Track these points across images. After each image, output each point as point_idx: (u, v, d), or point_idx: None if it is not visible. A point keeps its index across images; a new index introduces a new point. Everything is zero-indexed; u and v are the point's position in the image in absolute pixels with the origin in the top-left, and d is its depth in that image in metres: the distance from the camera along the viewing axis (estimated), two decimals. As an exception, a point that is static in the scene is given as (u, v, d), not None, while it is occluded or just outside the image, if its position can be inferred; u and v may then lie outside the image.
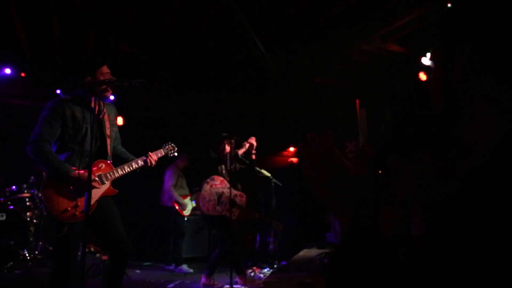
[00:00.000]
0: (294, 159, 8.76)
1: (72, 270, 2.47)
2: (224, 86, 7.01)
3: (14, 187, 5.04)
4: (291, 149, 8.99)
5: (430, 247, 0.55)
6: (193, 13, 4.86)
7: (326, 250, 4.01)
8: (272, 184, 5.95)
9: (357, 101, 6.43)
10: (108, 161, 2.73)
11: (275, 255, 5.82)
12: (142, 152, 2.94)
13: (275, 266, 5.36)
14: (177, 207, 5.82)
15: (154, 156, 2.89)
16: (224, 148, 4.30)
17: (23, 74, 6.50)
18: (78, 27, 5.18)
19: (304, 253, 5.05)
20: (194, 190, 4.36)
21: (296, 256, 4.94)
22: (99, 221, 2.60)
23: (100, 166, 2.66)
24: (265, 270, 5.21)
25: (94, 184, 2.50)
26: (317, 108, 6.82)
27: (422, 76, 5.28)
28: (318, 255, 4.07)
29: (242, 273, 4.25)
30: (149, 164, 2.85)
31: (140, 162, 2.83)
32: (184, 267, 5.63)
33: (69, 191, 2.48)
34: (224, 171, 4.25)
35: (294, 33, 5.29)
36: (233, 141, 4.24)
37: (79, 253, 2.46)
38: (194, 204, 5.96)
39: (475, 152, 0.66)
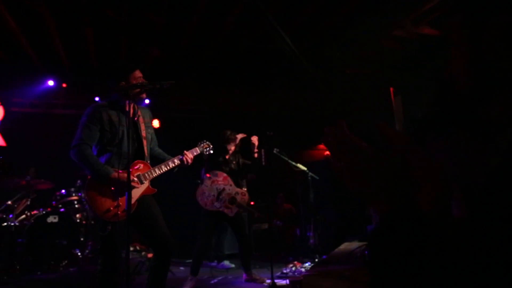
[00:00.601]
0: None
1: (119, 266, 2.59)
2: (255, 82, 7.04)
3: (63, 191, 5.34)
4: (327, 142, 8.86)
5: (472, 234, 0.53)
6: (218, 13, 4.92)
7: (366, 243, 3.92)
8: (309, 178, 5.91)
9: (391, 89, 6.24)
10: (146, 162, 2.82)
11: (315, 249, 5.78)
12: (178, 152, 3.01)
13: (316, 260, 5.33)
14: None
15: (190, 155, 2.96)
16: (230, 146, 4.36)
17: (64, 85, 6.86)
18: (110, 36, 5.38)
19: (345, 246, 4.98)
20: (196, 183, 4.33)
21: (336, 250, 4.88)
22: (142, 220, 2.71)
23: (138, 166, 2.75)
24: (306, 264, 5.19)
25: (133, 184, 2.60)
26: (350, 99, 6.69)
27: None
28: (359, 247, 4.00)
29: (248, 270, 4.31)
30: (185, 162, 2.92)
31: (177, 161, 2.90)
32: (226, 262, 5.73)
33: (111, 192, 2.59)
34: (228, 169, 4.21)
35: (322, 24, 5.21)
36: (238, 138, 4.36)
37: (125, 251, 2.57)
38: None
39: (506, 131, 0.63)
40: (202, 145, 3.21)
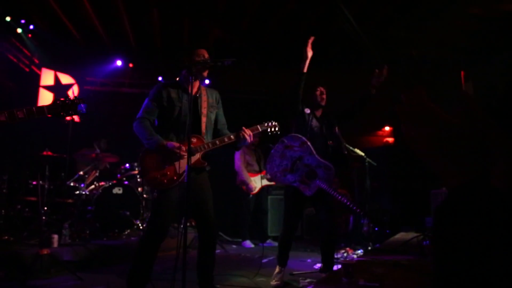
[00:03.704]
0: (390, 139, 8.31)
1: (160, 238, 2.65)
2: (315, 63, 6.89)
3: (127, 165, 5.69)
4: (387, 128, 8.53)
5: None
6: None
7: (425, 233, 3.74)
8: (366, 164, 5.73)
9: (462, 73, 5.79)
10: (201, 137, 2.85)
11: (369, 237, 5.65)
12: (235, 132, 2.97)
13: (369, 248, 5.21)
14: (243, 188, 5.99)
15: (248, 131, 2.88)
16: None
17: (131, 65, 7.25)
18: (174, 16, 5.54)
19: (400, 235, 4.81)
20: (268, 146, 3.59)
21: (392, 238, 4.73)
22: (191, 196, 2.74)
23: (192, 140, 2.78)
24: (359, 251, 5.10)
25: (182, 153, 2.67)
26: (415, 83, 6.32)
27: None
28: (415, 237, 3.83)
29: (329, 262, 3.49)
30: (242, 137, 2.85)
31: (232, 137, 2.87)
32: (247, 242, 5.94)
33: (160, 160, 2.70)
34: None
35: (388, 2, 4.94)
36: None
37: (182, 226, 2.59)
38: (264, 182, 6.06)
39: None
40: (267, 124, 3.07)
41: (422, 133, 0.64)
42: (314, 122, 3.43)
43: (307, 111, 3.45)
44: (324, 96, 3.53)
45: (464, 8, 4.69)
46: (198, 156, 2.80)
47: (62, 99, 2.22)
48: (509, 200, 0.54)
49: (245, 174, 6.01)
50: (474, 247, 0.52)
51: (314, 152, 3.23)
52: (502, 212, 0.53)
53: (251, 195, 6.06)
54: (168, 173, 2.69)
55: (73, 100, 2.26)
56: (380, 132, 8.58)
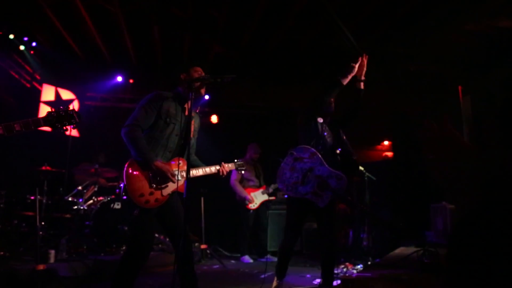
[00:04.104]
0: (389, 153, 8.31)
1: (144, 256, 2.56)
2: (314, 79, 6.96)
3: (126, 180, 5.68)
4: (386, 142, 8.55)
5: None
6: (280, 9, 4.93)
7: (425, 248, 3.71)
8: (366, 178, 5.73)
9: (460, 88, 5.84)
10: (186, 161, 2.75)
11: (369, 252, 5.60)
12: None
13: (369, 263, 5.16)
14: (246, 203, 5.96)
15: (226, 167, 2.97)
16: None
17: (131, 81, 7.31)
18: (175, 33, 5.62)
19: (400, 250, 4.76)
20: (277, 160, 3.52)
21: (391, 253, 4.68)
22: (167, 214, 2.69)
23: (178, 163, 2.73)
24: (358, 266, 5.04)
25: (173, 178, 2.61)
26: (414, 99, 6.37)
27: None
28: (415, 252, 3.79)
29: (328, 278, 3.37)
30: (221, 173, 2.92)
31: (214, 169, 2.91)
32: (246, 257, 5.91)
33: (149, 178, 2.59)
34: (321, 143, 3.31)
35: (386, 18, 5.02)
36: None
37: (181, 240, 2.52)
38: (265, 197, 6.12)
39: None
40: (238, 163, 3.21)
41: (442, 158, 0.66)
42: (327, 132, 3.39)
43: (320, 120, 3.39)
44: (333, 105, 3.51)
45: (460, 25, 4.77)
46: (183, 181, 2.71)
47: (53, 109, 2.20)
48: None
49: (239, 188, 6.02)
50: (487, 267, 0.53)
51: (325, 162, 3.18)
52: None
53: (251, 211, 6.04)
54: (155, 192, 2.59)
55: (66, 111, 2.22)
56: (379, 147, 8.60)
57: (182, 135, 2.76)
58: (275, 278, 3.39)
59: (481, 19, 4.57)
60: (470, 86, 5.68)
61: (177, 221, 2.69)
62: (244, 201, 5.98)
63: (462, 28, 4.88)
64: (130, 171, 2.55)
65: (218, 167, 2.93)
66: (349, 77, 3.40)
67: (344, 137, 3.44)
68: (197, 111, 3.13)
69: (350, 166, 3.33)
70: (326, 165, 3.17)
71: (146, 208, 2.54)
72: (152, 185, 2.57)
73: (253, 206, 6.02)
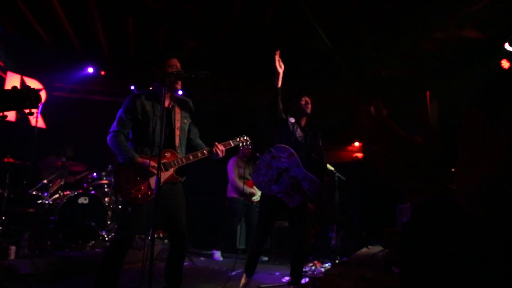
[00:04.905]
0: (359, 154, 8.51)
1: (125, 251, 2.64)
2: (289, 79, 7.01)
3: (95, 174, 5.53)
4: (356, 144, 8.74)
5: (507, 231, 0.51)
6: (257, 7, 4.93)
7: (389, 248, 3.83)
8: (336, 178, 5.84)
9: (428, 93, 6.06)
10: (174, 151, 2.85)
11: (337, 250, 5.72)
12: (209, 145, 2.98)
13: (337, 261, 5.27)
14: (249, 198, 5.87)
15: (221, 147, 2.91)
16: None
17: (103, 72, 7.11)
18: (149, 25, 5.51)
19: (367, 249, 4.90)
20: (256, 157, 3.52)
21: (358, 252, 4.81)
22: (162, 207, 2.76)
23: (165, 155, 2.80)
24: (326, 264, 5.14)
25: (153, 170, 2.64)
26: (385, 102, 6.54)
27: (505, 64, 4.87)
28: (381, 251, 3.92)
29: (296, 278, 3.43)
30: (214, 153, 2.88)
31: (206, 152, 2.88)
32: (218, 254, 5.79)
33: (135, 176, 2.70)
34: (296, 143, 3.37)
35: (360, 22, 5.13)
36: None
37: (149, 237, 2.63)
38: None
39: None
40: (238, 138, 3.14)
41: (382, 149, 0.64)
42: (299, 132, 3.43)
43: (292, 120, 3.46)
44: (309, 106, 3.54)
45: (429, 33, 4.94)
46: (172, 171, 2.80)
47: (13, 86, 1.81)
48: (472, 218, 0.56)
49: (241, 184, 5.83)
50: (440, 262, 0.53)
51: (301, 164, 3.22)
52: (465, 228, 0.54)
53: (253, 203, 5.91)
54: (143, 188, 2.68)
55: (29, 89, 1.82)
56: (350, 147, 8.78)
57: (163, 128, 2.75)
58: (244, 275, 3.43)
59: (449, 29, 4.76)
60: (437, 91, 5.90)
61: (173, 219, 2.82)
62: (247, 196, 5.84)
63: (431, 36, 5.06)
64: (117, 173, 2.72)
65: (209, 149, 2.90)
66: (279, 77, 3.40)
67: (320, 143, 3.51)
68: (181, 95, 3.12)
69: (319, 172, 3.41)
70: (303, 168, 3.21)
71: (136, 204, 2.65)
72: (137, 180, 2.68)
73: (256, 198, 5.88)
